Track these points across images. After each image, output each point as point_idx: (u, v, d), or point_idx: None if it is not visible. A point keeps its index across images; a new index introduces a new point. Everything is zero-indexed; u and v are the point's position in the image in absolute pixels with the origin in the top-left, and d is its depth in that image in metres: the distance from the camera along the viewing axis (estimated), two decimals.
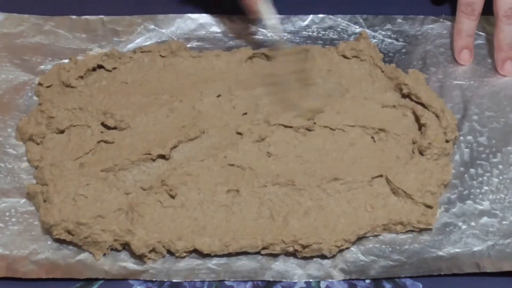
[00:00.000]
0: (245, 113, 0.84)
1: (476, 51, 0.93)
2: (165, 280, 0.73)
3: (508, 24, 0.88)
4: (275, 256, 0.75)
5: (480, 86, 0.89)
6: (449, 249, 0.75)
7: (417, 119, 0.83)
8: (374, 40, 0.95)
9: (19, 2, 1.00)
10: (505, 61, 0.89)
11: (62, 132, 0.83)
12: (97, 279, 0.74)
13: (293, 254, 0.75)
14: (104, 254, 0.75)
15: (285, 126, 0.82)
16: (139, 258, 0.75)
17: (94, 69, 0.89)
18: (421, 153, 0.80)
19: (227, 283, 0.74)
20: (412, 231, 0.76)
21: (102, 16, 0.98)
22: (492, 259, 0.73)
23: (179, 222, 0.76)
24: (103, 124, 0.83)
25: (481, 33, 0.95)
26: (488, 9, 0.90)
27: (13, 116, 0.87)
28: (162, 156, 0.80)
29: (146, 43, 0.95)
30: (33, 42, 0.95)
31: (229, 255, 0.75)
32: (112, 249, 0.75)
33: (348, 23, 0.97)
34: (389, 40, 0.95)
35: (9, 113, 0.87)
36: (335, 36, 0.96)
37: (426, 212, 0.76)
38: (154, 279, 0.73)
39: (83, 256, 0.75)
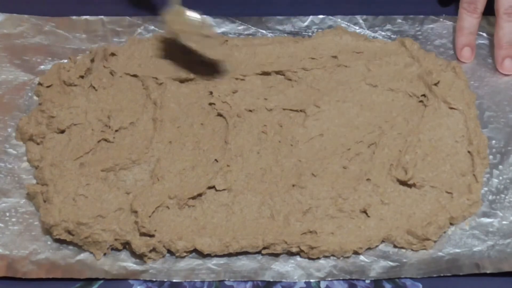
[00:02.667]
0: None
1: (477, 51, 0.93)
2: (165, 280, 0.73)
3: (508, 21, 0.88)
4: (275, 256, 0.75)
5: (480, 86, 0.89)
6: (449, 249, 0.75)
7: None
8: None
9: (19, 2, 1.00)
10: (504, 58, 0.89)
11: (62, 132, 0.83)
12: (97, 279, 0.74)
13: (294, 254, 0.75)
14: (105, 254, 0.75)
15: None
16: (139, 258, 0.75)
17: (93, 66, 0.89)
18: None
19: (227, 283, 0.74)
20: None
21: (102, 17, 0.98)
22: (492, 259, 0.73)
23: (179, 221, 0.76)
24: (103, 123, 0.83)
25: (481, 33, 0.95)
26: (489, 9, 0.91)
27: (13, 116, 0.87)
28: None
29: None
30: (33, 43, 0.95)
31: (229, 255, 0.75)
32: (112, 249, 0.75)
33: (348, 23, 0.97)
34: (389, 40, 0.95)
35: (9, 113, 0.87)
36: None
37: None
38: (154, 279, 0.73)
39: (83, 256, 0.75)
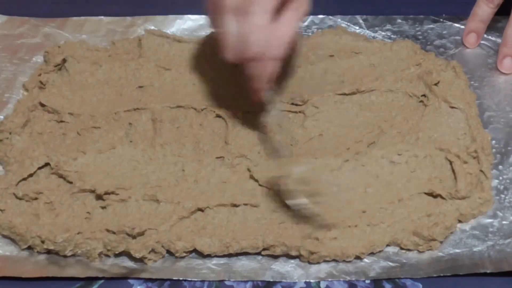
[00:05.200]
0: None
1: (477, 51, 0.93)
2: (165, 278, 0.73)
3: None
4: (275, 256, 0.75)
5: (480, 86, 0.89)
6: (449, 249, 0.75)
7: None
8: None
9: (20, 4, 1.00)
10: (505, 56, 0.90)
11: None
12: (97, 279, 0.74)
13: (294, 257, 0.75)
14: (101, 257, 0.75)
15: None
16: (140, 260, 0.74)
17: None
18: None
19: (227, 283, 0.73)
20: None
21: (102, 17, 0.98)
22: (492, 259, 0.73)
23: (179, 222, 0.75)
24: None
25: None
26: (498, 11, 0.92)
27: None
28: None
29: None
30: (33, 43, 0.95)
31: (229, 255, 0.75)
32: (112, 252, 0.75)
33: (348, 23, 0.97)
34: (389, 40, 0.95)
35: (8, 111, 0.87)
36: None
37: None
38: (154, 277, 0.73)
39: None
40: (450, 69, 0.87)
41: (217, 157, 0.79)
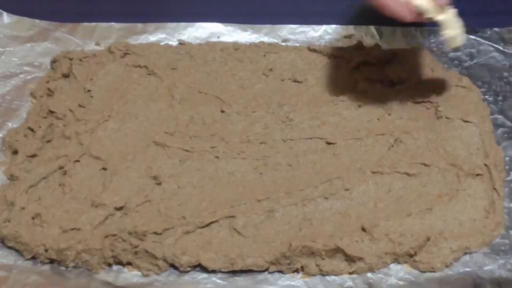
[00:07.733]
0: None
1: (492, 65, 0.92)
2: None
3: None
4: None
5: (495, 100, 0.88)
6: (458, 268, 0.74)
7: None
8: None
9: (32, 8, 1.00)
10: None
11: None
12: None
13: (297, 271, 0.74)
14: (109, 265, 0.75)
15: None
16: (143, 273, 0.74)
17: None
18: None
19: None
20: None
21: (113, 23, 0.98)
22: (503, 278, 0.73)
23: (184, 236, 0.75)
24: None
25: (496, 45, 0.94)
26: (500, 23, 0.93)
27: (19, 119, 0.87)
28: None
29: None
30: (43, 47, 0.95)
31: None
32: (116, 263, 0.75)
33: (362, 34, 0.96)
34: None
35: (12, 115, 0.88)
36: None
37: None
38: None
39: None
40: (463, 82, 0.86)
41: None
